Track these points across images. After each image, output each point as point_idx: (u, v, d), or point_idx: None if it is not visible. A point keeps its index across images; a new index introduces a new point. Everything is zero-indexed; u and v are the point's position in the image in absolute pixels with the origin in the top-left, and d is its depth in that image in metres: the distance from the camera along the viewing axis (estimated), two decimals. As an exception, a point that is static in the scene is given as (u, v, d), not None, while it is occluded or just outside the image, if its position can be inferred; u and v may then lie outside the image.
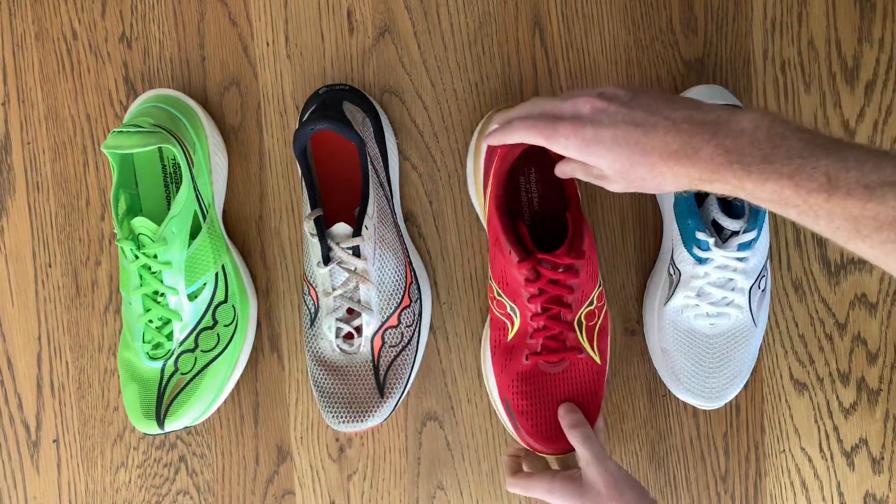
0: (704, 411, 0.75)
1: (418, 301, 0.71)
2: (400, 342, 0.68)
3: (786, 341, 0.74)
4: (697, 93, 0.70)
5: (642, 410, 0.75)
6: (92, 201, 0.76)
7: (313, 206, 0.67)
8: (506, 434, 0.75)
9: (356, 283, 0.66)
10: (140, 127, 0.67)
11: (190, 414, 0.69)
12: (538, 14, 0.73)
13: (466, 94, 0.73)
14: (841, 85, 0.72)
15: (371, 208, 0.66)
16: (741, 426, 0.75)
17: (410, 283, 0.70)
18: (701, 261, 0.67)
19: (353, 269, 0.65)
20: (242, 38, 0.74)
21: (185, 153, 0.68)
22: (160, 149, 0.72)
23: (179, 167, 0.71)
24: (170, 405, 0.68)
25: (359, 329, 0.67)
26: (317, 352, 0.69)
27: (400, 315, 0.68)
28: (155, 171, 0.72)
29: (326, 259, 0.65)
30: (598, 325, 0.68)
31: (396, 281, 0.68)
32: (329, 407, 0.67)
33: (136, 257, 0.67)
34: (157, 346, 0.69)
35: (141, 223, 0.66)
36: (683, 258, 0.68)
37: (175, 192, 0.72)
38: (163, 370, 0.69)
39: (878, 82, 0.72)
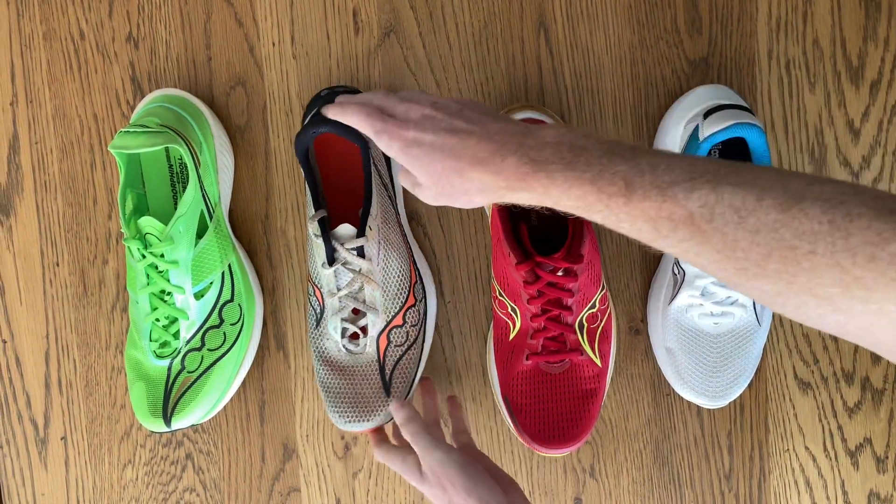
0: (708, 410, 0.75)
1: (423, 300, 0.71)
2: (405, 341, 0.69)
3: (790, 340, 0.74)
4: (702, 92, 0.70)
5: (646, 409, 0.75)
6: (99, 200, 0.76)
7: (317, 208, 0.67)
8: (510, 432, 0.75)
9: (361, 283, 0.66)
10: (147, 127, 0.67)
11: (196, 412, 0.69)
12: (543, 14, 0.73)
13: (471, 93, 0.74)
14: (846, 84, 0.72)
15: (374, 209, 0.66)
16: (745, 425, 0.75)
17: (415, 283, 0.70)
18: (705, 260, 0.67)
19: (357, 269, 0.66)
20: (248, 38, 0.74)
21: (191, 153, 0.69)
22: (167, 148, 0.72)
23: (186, 167, 0.72)
24: (176, 403, 0.69)
25: (364, 329, 0.67)
26: (323, 352, 0.69)
27: (405, 314, 0.69)
28: (162, 170, 0.73)
29: (331, 260, 0.65)
30: (600, 328, 0.68)
31: (401, 280, 0.68)
32: (335, 406, 0.67)
33: (143, 256, 0.67)
34: (164, 344, 0.69)
35: (148, 222, 0.66)
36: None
37: (182, 192, 0.73)
38: (169, 368, 0.69)
39: (884, 81, 0.72)
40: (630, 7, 0.72)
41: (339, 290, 0.66)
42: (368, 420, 0.67)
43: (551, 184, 0.48)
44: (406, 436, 0.62)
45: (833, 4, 0.72)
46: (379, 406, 0.67)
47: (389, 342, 0.68)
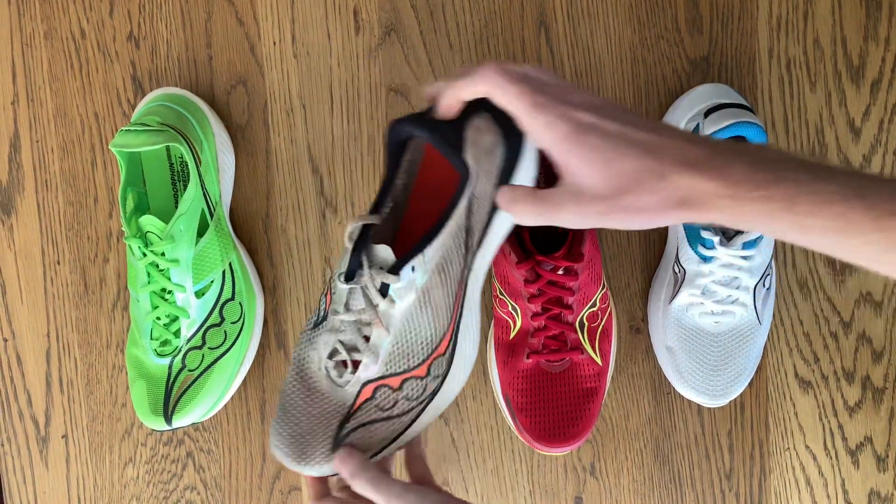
0: (709, 409, 0.75)
1: (439, 378, 0.55)
2: (390, 408, 0.54)
3: (791, 339, 0.74)
4: (703, 91, 0.70)
5: (647, 408, 0.75)
6: (100, 199, 0.76)
7: (372, 211, 0.55)
8: (510, 431, 0.75)
9: (371, 321, 0.53)
10: (148, 126, 0.67)
11: (197, 410, 0.69)
12: (543, 13, 0.73)
13: (472, 92, 0.74)
14: (846, 83, 0.72)
15: (431, 252, 0.51)
16: (746, 424, 0.75)
17: (438, 356, 0.55)
18: (706, 259, 0.67)
19: (373, 304, 0.52)
20: (249, 37, 0.75)
21: (192, 152, 0.69)
22: (168, 147, 0.72)
23: (187, 165, 0.72)
24: (177, 402, 0.69)
25: (356, 364, 0.54)
26: (302, 359, 0.56)
27: (404, 381, 0.54)
28: (162, 169, 0.73)
29: (350, 276, 0.52)
30: (600, 327, 0.68)
31: (422, 347, 0.54)
32: (280, 425, 0.54)
33: (144, 255, 0.67)
34: (165, 343, 0.70)
35: (149, 221, 0.66)
36: (688, 256, 0.68)
37: (182, 191, 0.73)
38: (170, 367, 0.69)
39: (884, 81, 0.72)
40: (631, 6, 0.72)
41: (346, 310, 0.53)
42: (300, 461, 0.53)
43: (797, 196, 0.38)
44: (361, 488, 0.49)
45: (834, 3, 0.72)
46: (318, 454, 0.53)
47: (373, 397, 0.54)
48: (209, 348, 0.70)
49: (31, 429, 0.78)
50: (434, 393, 0.55)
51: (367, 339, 0.53)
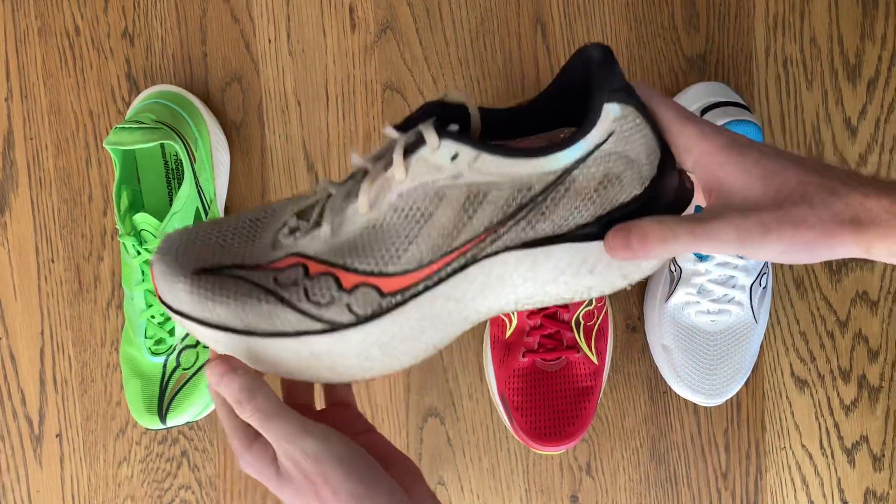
0: (705, 408, 0.75)
1: (352, 316, 0.41)
2: (286, 290, 0.41)
3: (787, 338, 0.74)
4: (699, 89, 0.70)
5: (643, 407, 0.75)
6: (94, 197, 0.76)
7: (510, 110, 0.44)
8: (506, 430, 0.75)
9: (362, 187, 0.41)
10: (142, 123, 0.67)
11: (192, 409, 0.69)
12: (540, 10, 0.73)
13: (468, 90, 0.74)
14: (843, 82, 0.72)
15: (490, 164, 0.39)
16: (742, 423, 0.75)
17: (378, 290, 0.41)
18: (702, 258, 0.67)
19: (385, 165, 0.41)
20: (244, 34, 0.74)
21: (187, 149, 0.69)
22: (162, 145, 0.72)
23: (181, 163, 0.72)
24: (172, 400, 0.68)
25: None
26: (278, 209, 0.44)
27: (323, 275, 0.41)
28: (157, 167, 0.73)
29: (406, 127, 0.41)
30: (596, 326, 0.68)
31: (373, 258, 0.41)
32: (188, 229, 0.44)
33: (139, 253, 0.67)
34: (160, 341, 0.69)
35: (143, 219, 0.66)
36: (684, 255, 0.68)
37: (177, 188, 0.72)
38: (165, 365, 0.69)
39: (881, 79, 0.72)
40: (627, 4, 0.72)
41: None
42: (165, 260, 0.42)
43: None
44: (249, 417, 0.39)
45: (830, 2, 0.71)
46: (186, 271, 0.41)
47: (285, 270, 0.42)
48: (204, 347, 0.70)
49: (25, 427, 0.78)
50: (332, 328, 0.41)
51: (340, 210, 0.41)
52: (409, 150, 0.40)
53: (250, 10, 0.74)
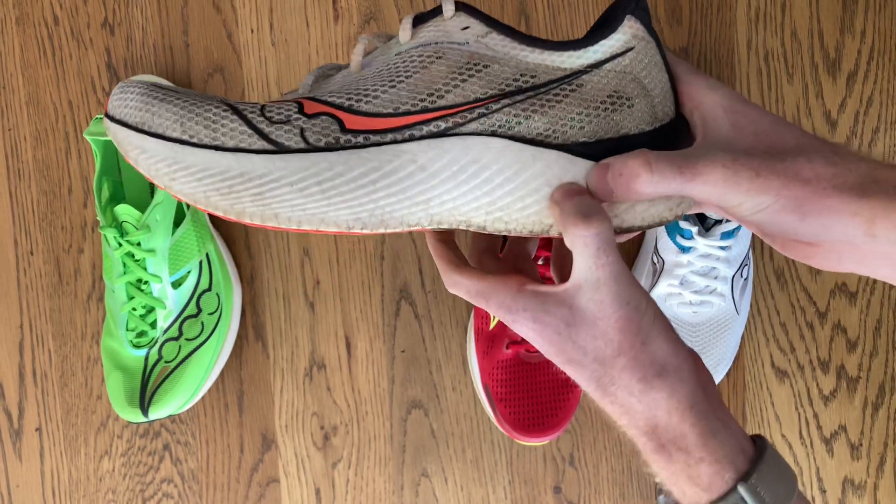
0: (687, 399, 0.75)
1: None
2: (269, 117, 0.38)
3: (767, 329, 0.75)
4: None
5: (625, 398, 0.75)
6: (74, 189, 0.75)
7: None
8: (490, 422, 0.75)
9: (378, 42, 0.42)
10: (123, 113, 0.66)
11: (174, 402, 0.69)
12: (524, 2, 0.73)
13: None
14: (823, 75, 0.73)
15: (502, 42, 0.38)
16: (723, 413, 0.75)
17: (340, 123, 0.38)
18: (684, 249, 0.67)
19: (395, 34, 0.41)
20: (227, 24, 0.74)
21: (168, 140, 0.68)
22: (143, 136, 0.71)
23: (163, 154, 0.71)
24: (154, 393, 0.68)
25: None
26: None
27: (306, 101, 0.39)
28: (138, 158, 0.72)
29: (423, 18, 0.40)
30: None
31: (349, 92, 0.39)
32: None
33: (120, 245, 0.66)
34: (141, 334, 0.69)
35: (124, 210, 0.66)
36: (666, 247, 0.68)
37: (159, 180, 0.72)
38: (146, 358, 0.69)
39: (860, 73, 0.72)
40: (611, -4, 0.73)
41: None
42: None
43: None
44: (457, 288, 0.38)
45: (811, -4, 0.72)
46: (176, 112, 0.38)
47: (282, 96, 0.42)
48: (186, 339, 0.69)
49: (4, 421, 0.77)
50: (276, 149, 0.38)
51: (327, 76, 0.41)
52: (419, 20, 0.39)
53: (232, 0, 0.73)
